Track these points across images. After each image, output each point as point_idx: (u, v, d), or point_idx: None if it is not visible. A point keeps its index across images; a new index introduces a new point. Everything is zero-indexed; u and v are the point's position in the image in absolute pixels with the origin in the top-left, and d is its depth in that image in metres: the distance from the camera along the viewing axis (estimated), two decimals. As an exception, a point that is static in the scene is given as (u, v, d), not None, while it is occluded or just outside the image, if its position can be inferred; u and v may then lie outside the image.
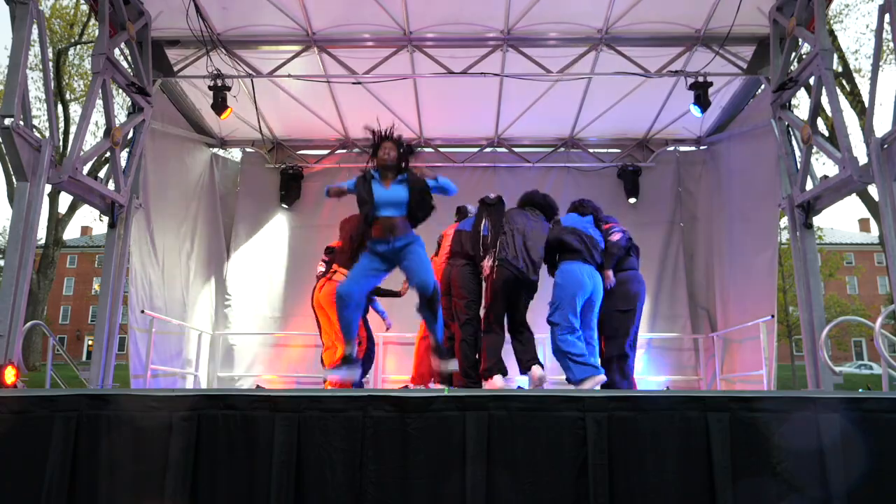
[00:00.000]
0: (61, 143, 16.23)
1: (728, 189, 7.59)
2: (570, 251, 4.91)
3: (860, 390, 6.50)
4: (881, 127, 4.56)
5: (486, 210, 5.27)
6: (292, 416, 3.15)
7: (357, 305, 4.23)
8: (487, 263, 4.96)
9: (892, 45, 13.34)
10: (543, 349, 7.11)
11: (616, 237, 5.03)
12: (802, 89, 7.12)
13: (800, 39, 5.65)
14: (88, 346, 39.76)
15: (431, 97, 7.61)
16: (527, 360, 4.88)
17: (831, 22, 15.40)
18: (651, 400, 3.21)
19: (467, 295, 5.05)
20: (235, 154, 9.52)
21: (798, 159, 5.79)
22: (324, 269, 5.69)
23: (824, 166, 26.68)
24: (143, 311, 6.35)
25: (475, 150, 8.70)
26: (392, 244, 4.13)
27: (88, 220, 50.31)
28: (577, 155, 8.62)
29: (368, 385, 6.30)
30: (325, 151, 8.74)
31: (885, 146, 4.51)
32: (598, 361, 4.92)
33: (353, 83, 6.97)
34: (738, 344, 7.15)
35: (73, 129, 16.70)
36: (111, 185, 5.73)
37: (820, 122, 8.81)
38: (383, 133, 4.23)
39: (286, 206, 8.46)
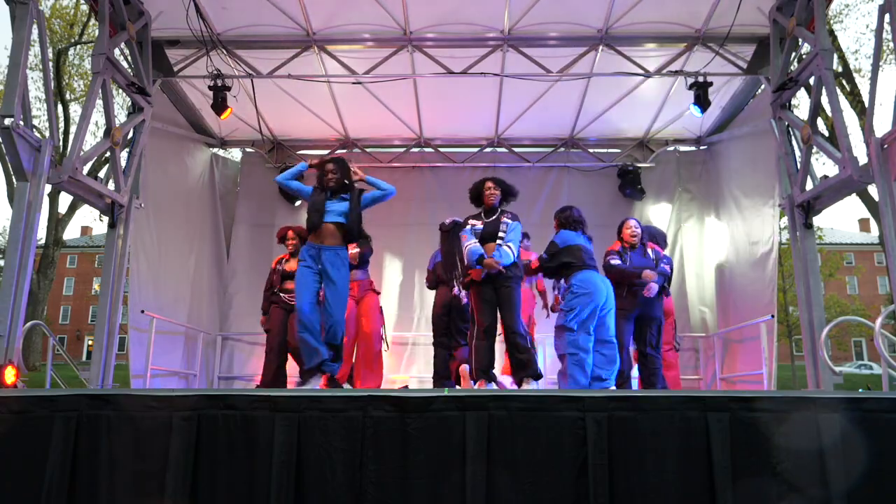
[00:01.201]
0: (61, 143, 16.23)
1: (728, 189, 7.59)
2: (584, 264, 5.09)
3: (860, 390, 6.51)
4: (881, 127, 4.56)
5: (441, 237, 5.41)
6: (292, 416, 3.15)
7: (314, 323, 4.55)
8: (457, 289, 5.09)
9: (892, 45, 13.34)
10: (544, 350, 7.14)
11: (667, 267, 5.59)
12: (802, 89, 7.12)
13: (800, 39, 5.64)
14: (88, 346, 39.76)
15: (431, 97, 7.60)
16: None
17: (831, 22, 15.41)
18: (651, 400, 3.21)
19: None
20: (235, 154, 9.54)
21: (798, 159, 5.78)
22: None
23: (824, 166, 26.65)
24: (143, 312, 6.34)
25: (475, 150, 8.69)
26: (320, 248, 4.56)
27: (88, 220, 50.40)
28: (577, 155, 8.61)
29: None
30: (325, 151, 8.72)
31: (885, 146, 4.51)
32: (615, 372, 5.11)
33: (353, 83, 6.97)
34: (738, 344, 7.14)
35: (73, 129, 16.71)
36: (111, 185, 5.73)
37: (820, 122, 8.80)
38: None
39: (296, 206, 8.44)
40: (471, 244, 4.91)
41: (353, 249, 5.61)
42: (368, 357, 6.04)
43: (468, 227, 5.06)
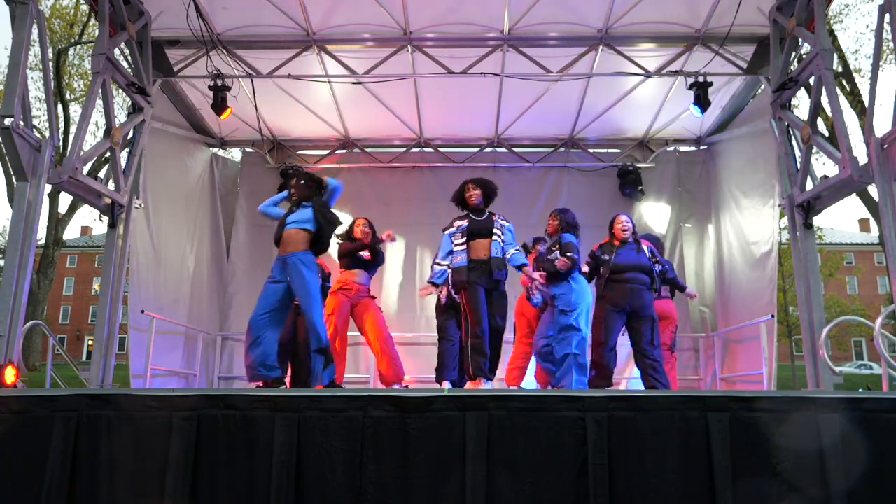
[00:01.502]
0: (61, 143, 16.22)
1: (728, 189, 7.59)
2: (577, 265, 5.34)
3: (860, 390, 6.50)
4: (881, 127, 4.56)
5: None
6: (292, 416, 3.15)
7: (270, 329, 4.58)
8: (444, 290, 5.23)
9: (892, 45, 13.34)
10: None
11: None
12: (802, 89, 7.12)
13: (800, 39, 5.64)
14: (88, 346, 39.75)
15: (431, 97, 7.60)
16: None
17: (831, 22, 15.40)
18: (651, 400, 3.21)
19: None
20: (235, 154, 9.53)
21: (798, 159, 5.79)
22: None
23: (824, 166, 26.67)
24: (143, 311, 6.34)
25: (475, 150, 8.68)
26: (285, 258, 4.61)
27: (88, 220, 50.34)
28: (577, 155, 8.61)
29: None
30: (325, 151, 8.74)
31: (885, 146, 4.51)
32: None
33: (353, 83, 6.97)
34: (738, 344, 7.15)
35: (73, 129, 16.70)
36: (111, 185, 5.73)
37: (820, 122, 8.80)
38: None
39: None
40: (440, 267, 5.03)
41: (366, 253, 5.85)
42: (390, 354, 5.95)
43: (453, 227, 5.12)
